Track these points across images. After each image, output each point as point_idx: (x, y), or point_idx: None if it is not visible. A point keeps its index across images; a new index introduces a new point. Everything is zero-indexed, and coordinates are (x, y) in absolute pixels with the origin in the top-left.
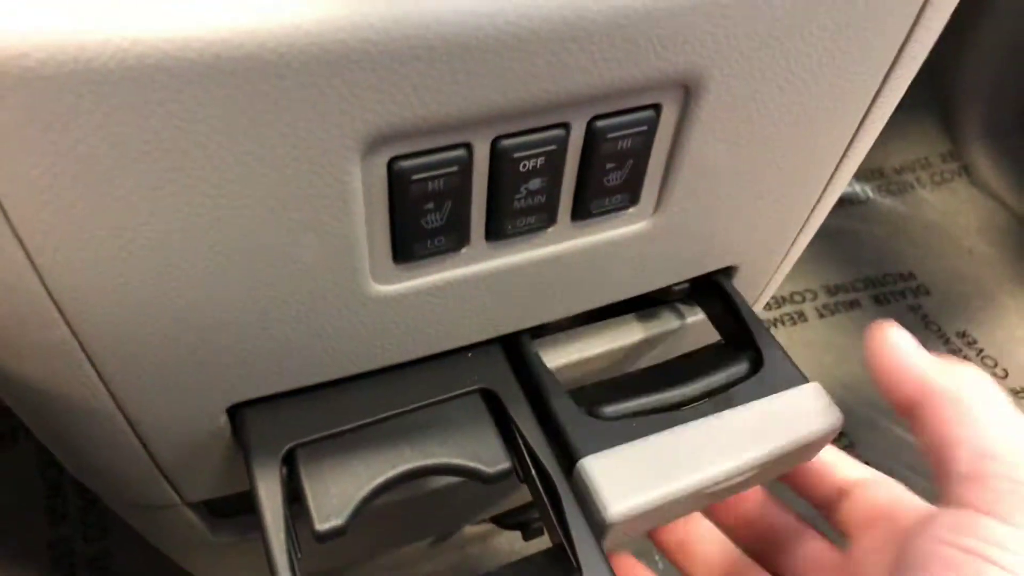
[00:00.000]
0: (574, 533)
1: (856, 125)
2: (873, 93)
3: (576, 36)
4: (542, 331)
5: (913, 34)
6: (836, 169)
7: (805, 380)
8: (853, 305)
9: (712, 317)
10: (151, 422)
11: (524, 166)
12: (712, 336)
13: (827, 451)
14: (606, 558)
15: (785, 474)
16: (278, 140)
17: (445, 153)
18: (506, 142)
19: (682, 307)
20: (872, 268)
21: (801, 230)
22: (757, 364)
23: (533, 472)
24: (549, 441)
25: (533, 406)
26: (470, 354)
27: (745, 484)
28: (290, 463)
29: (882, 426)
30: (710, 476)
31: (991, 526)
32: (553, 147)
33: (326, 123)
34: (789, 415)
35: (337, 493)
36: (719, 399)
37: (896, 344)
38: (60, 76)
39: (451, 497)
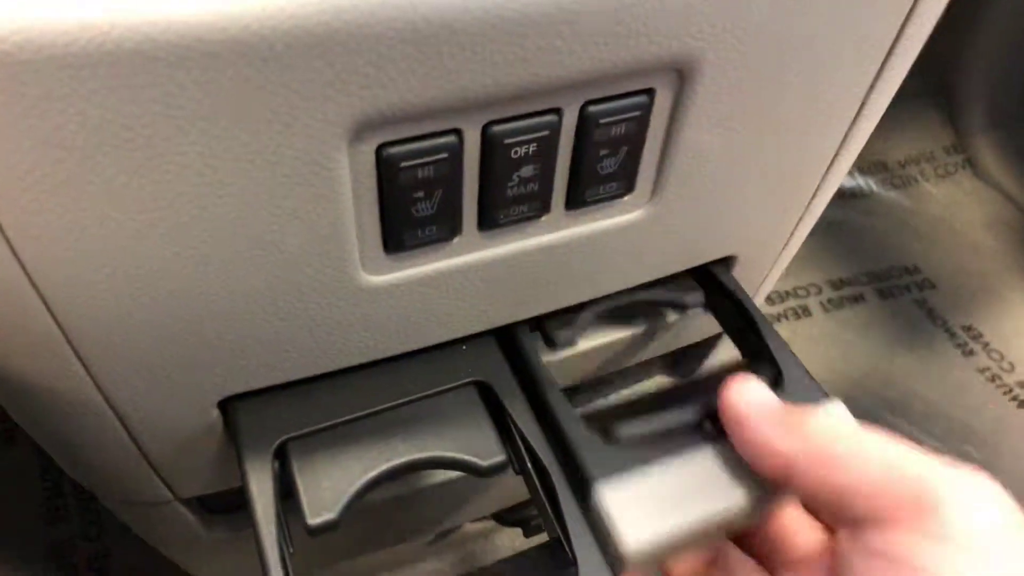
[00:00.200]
0: (570, 526)
1: (854, 112)
2: (871, 79)
3: (567, 19)
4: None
5: (910, 18)
6: (835, 156)
7: (826, 396)
8: (858, 299)
9: (727, 328)
10: (141, 417)
11: (516, 152)
12: (711, 326)
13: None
14: (602, 551)
15: None
16: (262, 126)
17: (435, 139)
18: (497, 128)
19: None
20: (876, 262)
21: (800, 220)
22: (775, 380)
23: (529, 465)
24: (546, 434)
25: (530, 402)
26: (464, 346)
27: (768, 511)
28: (282, 457)
29: (887, 421)
30: (732, 504)
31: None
32: (545, 133)
33: (311, 108)
34: None
35: (329, 487)
36: None
37: (748, 417)
38: (38, 61)
39: (447, 493)
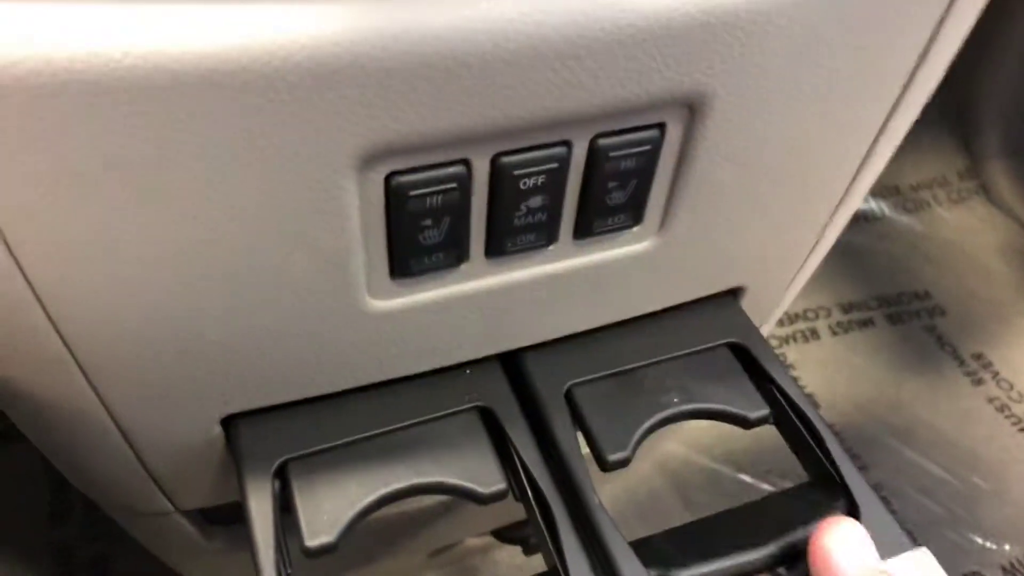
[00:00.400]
0: (568, 558)
1: (870, 142)
2: (888, 110)
3: (577, 54)
4: None
5: (928, 54)
6: (848, 188)
7: (912, 543)
8: (867, 324)
9: (791, 442)
10: (144, 432)
11: (525, 184)
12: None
13: None
14: None
15: None
16: (271, 154)
17: (443, 169)
18: (506, 159)
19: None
20: (887, 286)
21: (812, 250)
22: (849, 513)
23: (529, 493)
24: (546, 461)
25: (531, 426)
26: (468, 371)
27: None
28: (283, 476)
29: (893, 448)
30: None
31: None
32: (555, 165)
33: (320, 138)
34: None
35: (328, 509)
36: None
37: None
38: (51, 86)
39: (447, 510)
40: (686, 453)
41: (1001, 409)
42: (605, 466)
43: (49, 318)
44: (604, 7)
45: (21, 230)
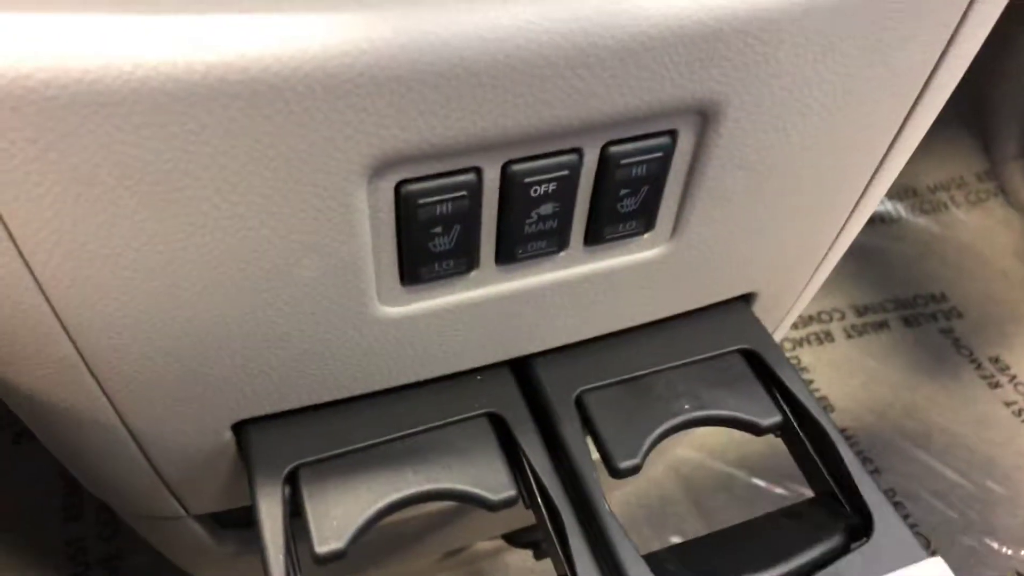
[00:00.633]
0: (578, 565)
1: (886, 146)
2: (905, 113)
3: (588, 62)
4: None
5: (945, 59)
6: (863, 193)
7: (924, 552)
8: (882, 327)
9: (796, 454)
10: (155, 437)
11: (535, 191)
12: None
13: None
14: None
15: None
16: (282, 163)
17: (454, 177)
18: (517, 167)
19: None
20: (903, 289)
21: (826, 255)
22: (864, 528)
23: (539, 500)
24: (556, 468)
25: (541, 432)
26: (479, 377)
27: None
28: (293, 482)
29: (908, 452)
30: None
31: None
32: (565, 172)
33: (331, 147)
34: None
35: (338, 516)
36: None
37: None
38: (63, 97)
39: (457, 514)
40: (699, 457)
41: (1018, 413)
42: (616, 473)
43: (61, 325)
44: (615, 15)
45: (34, 238)
